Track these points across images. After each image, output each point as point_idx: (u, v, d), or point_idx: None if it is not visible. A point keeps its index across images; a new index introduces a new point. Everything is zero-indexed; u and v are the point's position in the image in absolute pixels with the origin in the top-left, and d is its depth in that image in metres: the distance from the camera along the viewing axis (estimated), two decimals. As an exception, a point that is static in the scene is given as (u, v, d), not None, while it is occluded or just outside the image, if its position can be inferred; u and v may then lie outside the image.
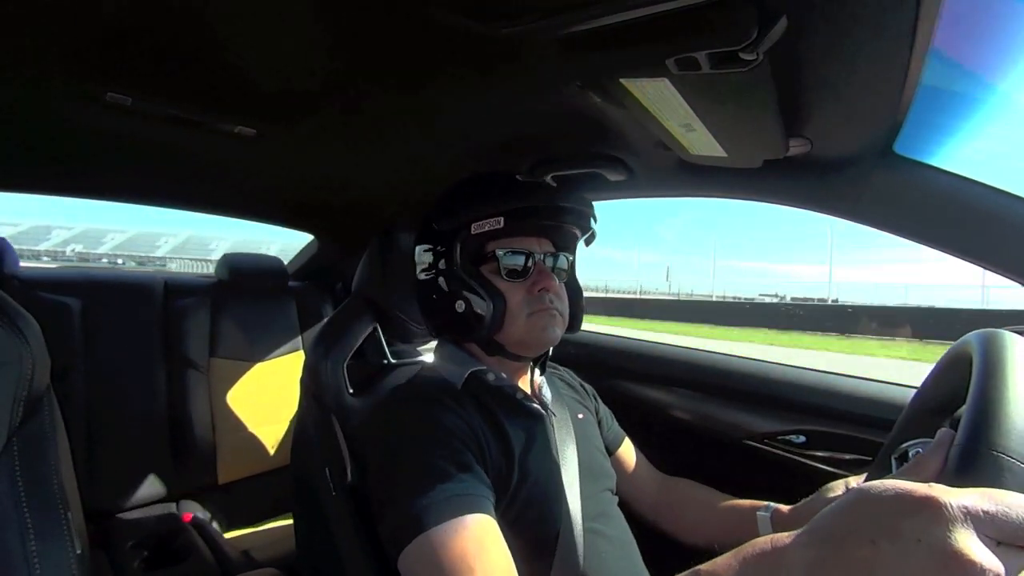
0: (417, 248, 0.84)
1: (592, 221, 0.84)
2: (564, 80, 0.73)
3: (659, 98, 0.65)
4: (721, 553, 0.40)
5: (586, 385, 1.01)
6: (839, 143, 0.79)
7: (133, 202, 1.57)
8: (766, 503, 0.83)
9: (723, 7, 0.49)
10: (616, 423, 1.00)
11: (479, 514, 0.62)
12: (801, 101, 0.67)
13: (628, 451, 0.99)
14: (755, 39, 0.50)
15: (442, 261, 0.80)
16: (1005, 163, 0.76)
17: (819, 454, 1.02)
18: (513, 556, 0.64)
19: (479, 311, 0.76)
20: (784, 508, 0.81)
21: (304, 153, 1.16)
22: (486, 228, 0.75)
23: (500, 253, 0.78)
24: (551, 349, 0.86)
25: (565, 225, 0.82)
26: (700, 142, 0.79)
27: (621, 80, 0.62)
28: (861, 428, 0.97)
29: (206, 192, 1.51)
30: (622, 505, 0.88)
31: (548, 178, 1.09)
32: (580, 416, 0.90)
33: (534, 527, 0.70)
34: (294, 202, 1.60)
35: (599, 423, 0.96)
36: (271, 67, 0.77)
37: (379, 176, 1.29)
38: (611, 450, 0.96)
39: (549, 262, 0.81)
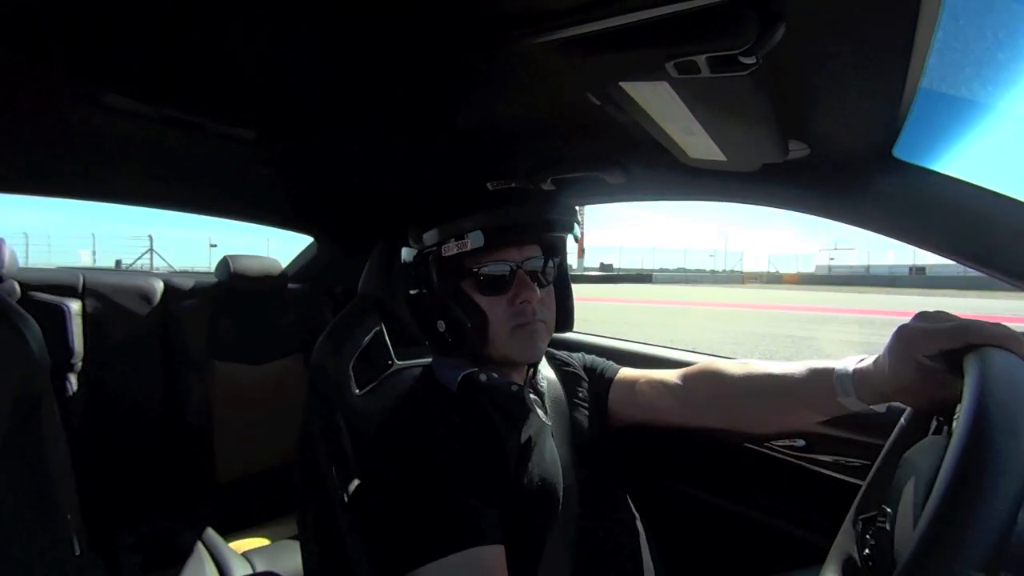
0: (403, 258, 0.85)
1: (574, 223, 0.80)
2: (563, 83, 0.73)
3: (658, 101, 0.65)
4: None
5: (574, 355, 0.98)
6: (838, 147, 0.79)
7: (133, 203, 1.57)
8: (840, 366, 0.67)
9: (722, 11, 0.49)
10: (604, 364, 0.96)
11: (478, 548, 0.62)
12: (800, 105, 0.68)
13: (627, 374, 0.92)
14: (754, 43, 0.50)
15: (423, 280, 0.80)
16: (1004, 167, 0.76)
17: (818, 457, 1.02)
18: (508, 546, 0.65)
19: (461, 329, 0.76)
20: (863, 365, 0.65)
21: (304, 155, 1.16)
22: (455, 251, 0.73)
23: (476, 269, 0.76)
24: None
25: (538, 233, 0.78)
26: (699, 146, 0.79)
27: (620, 83, 0.62)
28: (860, 431, 0.97)
29: (206, 194, 1.52)
30: (659, 428, 0.86)
31: (548, 181, 1.10)
32: (580, 395, 0.89)
33: (530, 518, 0.71)
34: (293, 204, 1.60)
35: (592, 385, 0.93)
36: (271, 70, 0.77)
37: (378, 178, 1.29)
38: (608, 379, 0.92)
39: (533, 266, 0.78)
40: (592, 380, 0.94)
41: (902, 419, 0.66)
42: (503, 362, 0.79)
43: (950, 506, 0.36)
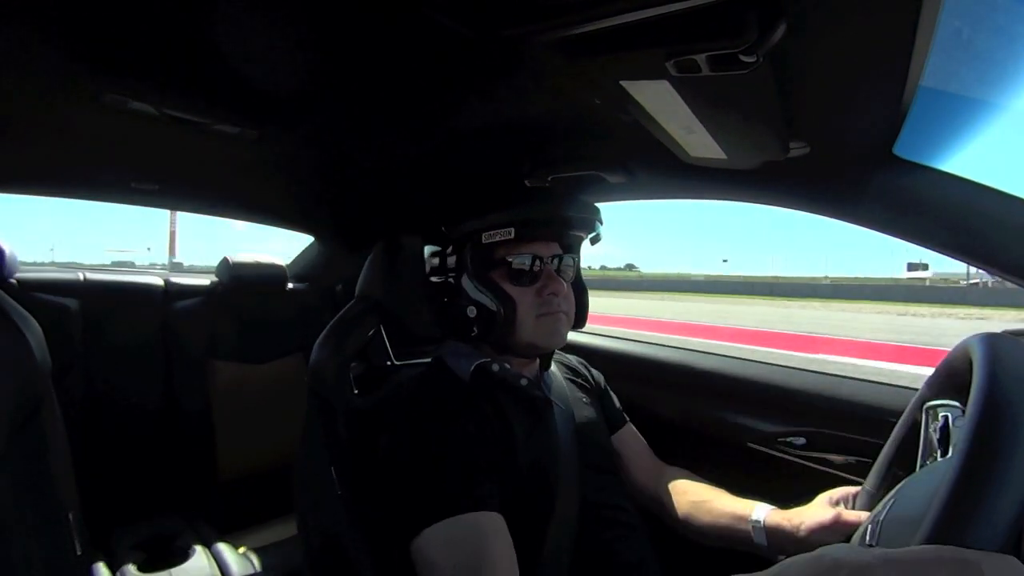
0: (427, 252, 0.88)
1: (598, 224, 0.87)
2: (564, 82, 0.73)
3: (659, 100, 0.65)
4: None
5: (592, 370, 1.03)
6: (838, 145, 0.79)
7: (133, 203, 1.57)
8: (756, 513, 0.81)
9: (723, 9, 0.49)
10: (618, 408, 1.02)
11: (487, 512, 0.66)
12: (801, 103, 0.68)
13: (627, 434, 1.00)
14: (755, 41, 0.50)
15: (453, 266, 0.84)
16: (1005, 164, 0.76)
17: (818, 456, 1.02)
18: (512, 537, 0.68)
19: (490, 316, 0.79)
20: (776, 515, 0.80)
21: (305, 155, 1.16)
22: (497, 239, 0.78)
23: (510, 259, 0.81)
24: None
25: (565, 230, 0.85)
26: (700, 144, 0.79)
27: (621, 82, 0.62)
28: (860, 430, 0.97)
29: (207, 193, 1.52)
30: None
31: (548, 180, 1.10)
32: (585, 400, 0.93)
33: (534, 509, 0.74)
34: (295, 203, 1.60)
35: (603, 407, 0.98)
36: (272, 69, 0.77)
37: (380, 178, 1.29)
38: (618, 414, 0.99)
39: (556, 264, 0.84)
40: (597, 389, 0.99)
41: (903, 415, 0.66)
42: (525, 350, 0.83)
43: (967, 473, 0.38)
